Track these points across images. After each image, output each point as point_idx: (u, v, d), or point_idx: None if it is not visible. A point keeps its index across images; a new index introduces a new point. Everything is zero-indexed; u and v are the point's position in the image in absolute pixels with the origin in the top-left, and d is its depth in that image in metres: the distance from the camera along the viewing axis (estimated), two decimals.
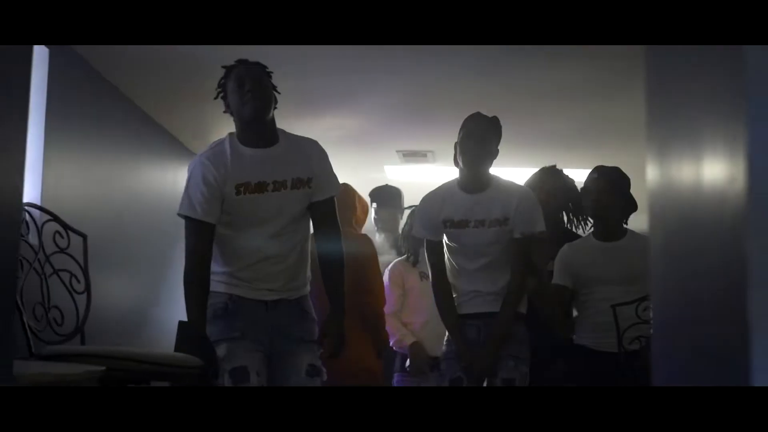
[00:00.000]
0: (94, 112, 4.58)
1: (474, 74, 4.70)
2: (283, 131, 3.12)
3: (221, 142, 3.08)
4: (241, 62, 3.11)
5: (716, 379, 1.36)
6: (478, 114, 3.50)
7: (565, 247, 3.78)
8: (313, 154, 3.11)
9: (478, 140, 3.41)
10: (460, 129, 3.48)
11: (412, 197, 5.33)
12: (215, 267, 3.06)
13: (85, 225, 3.52)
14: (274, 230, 3.03)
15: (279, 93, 3.11)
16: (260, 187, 2.98)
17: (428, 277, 3.78)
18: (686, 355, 1.58)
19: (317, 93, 5.01)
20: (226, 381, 3.00)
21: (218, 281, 3.07)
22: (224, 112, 3.14)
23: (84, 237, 3.36)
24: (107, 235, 4.48)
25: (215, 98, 3.15)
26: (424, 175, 6.52)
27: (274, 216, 3.03)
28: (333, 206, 3.15)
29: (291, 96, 3.31)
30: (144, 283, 5.41)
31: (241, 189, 2.98)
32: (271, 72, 3.11)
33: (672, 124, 1.62)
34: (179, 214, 3.06)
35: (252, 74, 3.02)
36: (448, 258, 3.56)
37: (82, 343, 3.29)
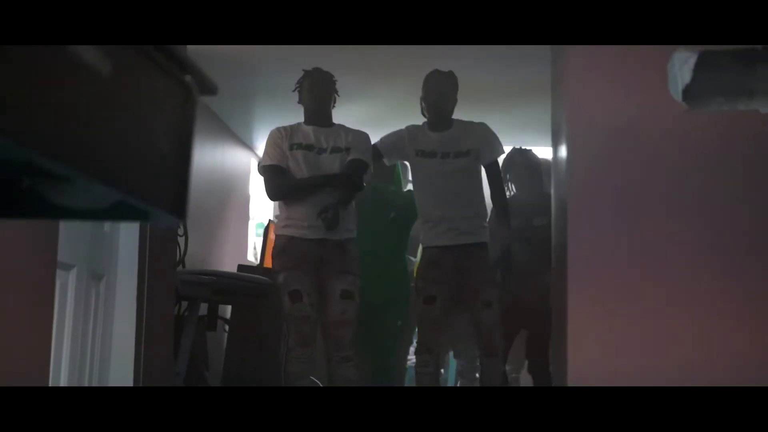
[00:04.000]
0: None
1: (472, 68, 5.24)
2: (343, 125, 4.06)
3: (291, 124, 4.05)
4: (315, 70, 4.06)
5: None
6: (437, 71, 4.13)
7: None
8: (352, 133, 4.00)
9: (439, 95, 4.09)
10: (423, 86, 4.13)
11: None
12: (280, 213, 3.87)
13: None
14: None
15: (339, 96, 4.12)
16: (309, 147, 3.88)
17: None
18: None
19: (338, 85, 5.89)
20: (285, 301, 3.68)
21: (280, 225, 3.83)
22: (298, 102, 4.09)
23: None
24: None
25: (293, 90, 4.12)
26: None
27: (317, 171, 3.83)
28: (363, 163, 3.96)
29: None
30: (209, 230, 6.53)
31: (294, 146, 3.88)
32: (336, 79, 4.11)
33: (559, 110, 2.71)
34: (259, 165, 3.97)
35: (319, 79, 4.03)
36: (422, 189, 4.15)
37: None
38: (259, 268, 5.79)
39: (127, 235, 2.87)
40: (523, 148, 5.08)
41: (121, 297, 2.86)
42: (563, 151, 2.52)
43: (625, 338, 2.80)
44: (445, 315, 4.01)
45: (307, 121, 4.02)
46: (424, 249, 4.15)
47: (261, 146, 7.80)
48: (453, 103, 4.14)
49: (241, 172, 7.72)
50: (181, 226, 4.56)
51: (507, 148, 4.97)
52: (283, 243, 3.80)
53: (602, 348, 2.74)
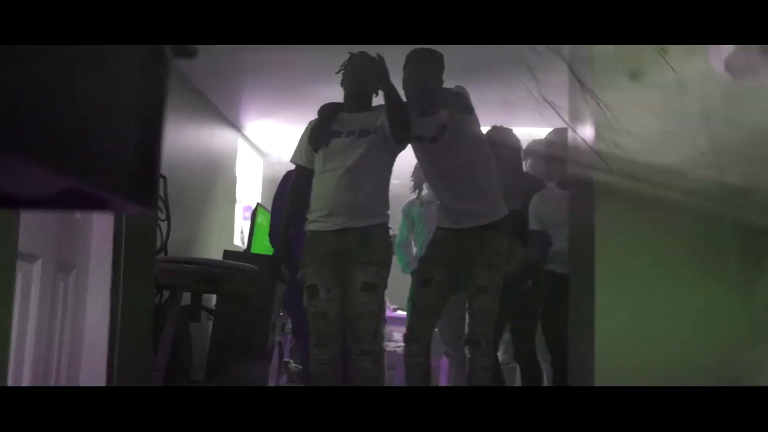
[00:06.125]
0: None
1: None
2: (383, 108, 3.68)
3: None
4: (360, 53, 3.75)
5: None
6: (418, 51, 3.75)
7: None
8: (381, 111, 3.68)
9: (420, 81, 3.73)
10: (404, 68, 3.75)
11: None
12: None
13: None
14: (342, 171, 3.61)
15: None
16: (337, 134, 3.66)
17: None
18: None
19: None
20: (305, 298, 3.57)
21: (307, 221, 3.66)
22: (341, 84, 3.81)
23: (164, 178, 4.35)
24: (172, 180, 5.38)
25: (336, 72, 3.85)
26: None
27: (338, 158, 3.64)
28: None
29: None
30: (194, 214, 6.35)
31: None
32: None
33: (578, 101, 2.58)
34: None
35: (359, 63, 3.73)
36: (426, 174, 4.04)
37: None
38: (246, 254, 5.57)
39: (100, 221, 2.62)
40: (503, 126, 4.85)
41: (94, 289, 2.61)
42: (585, 130, 2.35)
43: (657, 332, 2.64)
44: (441, 300, 3.83)
45: (344, 107, 3.79)
46: (436, 229, 3.97)
47: (248, 126, 7.65)
48: (439, 86, 3.78)
49: (228, 153, 7.50)
50: (164, 210, 4.32)
51: (519, 133, 4.86)
52: (307, 239, 3.67)
53: (632, 344, 2.59)
